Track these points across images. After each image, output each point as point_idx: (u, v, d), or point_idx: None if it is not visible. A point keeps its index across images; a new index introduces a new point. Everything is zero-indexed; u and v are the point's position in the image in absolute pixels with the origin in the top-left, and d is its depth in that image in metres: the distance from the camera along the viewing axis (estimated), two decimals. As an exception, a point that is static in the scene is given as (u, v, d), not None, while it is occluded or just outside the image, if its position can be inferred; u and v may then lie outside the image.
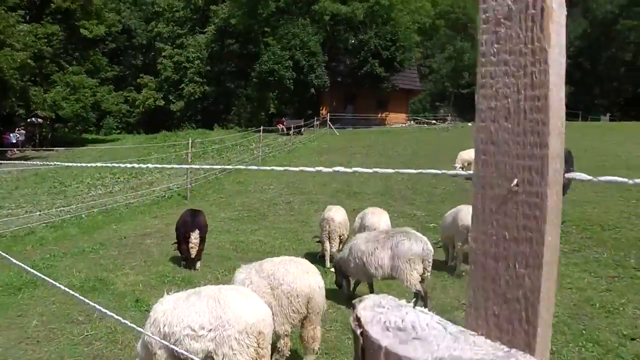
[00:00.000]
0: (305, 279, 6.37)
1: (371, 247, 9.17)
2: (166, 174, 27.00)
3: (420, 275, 8.78)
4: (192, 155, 21.55)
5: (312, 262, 7.28)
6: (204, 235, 11.79)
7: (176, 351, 5.13)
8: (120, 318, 2.56)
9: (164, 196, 20.97)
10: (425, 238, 9.07)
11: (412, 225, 16.18)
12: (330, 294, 9.56)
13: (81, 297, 3.31)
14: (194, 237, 11.41)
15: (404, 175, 23.67)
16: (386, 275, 9.03)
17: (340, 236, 12.08)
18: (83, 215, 17.23)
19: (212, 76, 53.79)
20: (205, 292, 5.29)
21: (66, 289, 3.40)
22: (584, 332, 8.12)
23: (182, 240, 11.61)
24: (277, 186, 22.85)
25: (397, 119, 55.52)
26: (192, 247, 11.42)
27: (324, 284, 6.62)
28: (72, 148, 37.60)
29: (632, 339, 7.89)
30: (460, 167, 24.08)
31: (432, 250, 9.03)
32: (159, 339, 4.85)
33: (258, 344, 5.08)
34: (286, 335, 6.41)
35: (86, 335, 7.88)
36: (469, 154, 24.68)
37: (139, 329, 3.21)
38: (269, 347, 5.31)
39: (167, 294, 5.56)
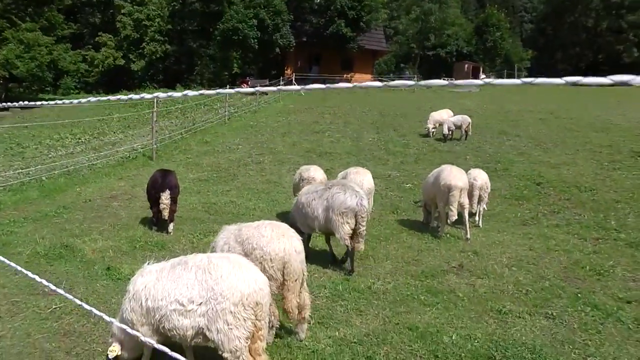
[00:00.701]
0: (280, 243, 5.91)
1: (310, 198, 9.24)
2: (129, 134, 26.12)
3: (353, 230, 8.70)
4: (157, 115, 20.71)
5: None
6: (176, 196, 11.31)
7: (163, 327, 4.65)
8: (72, 297, 2.10)
9: (129, 157, 20.15)
10: (362, 193, 8.94)
11: (388, 186, 16.02)
12: (315, 259, 9.24)
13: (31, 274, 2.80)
14: (165, 197, 10.92)
15: (376, 135, 23.39)
16: (322, 227, 9.03)
17: None
18: (44, 178, 16.36)
19: (174, 35, 52.10)
20: (193, 262, 4.78)
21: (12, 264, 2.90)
22: (579, 295, 7.92)
23: (153, 202, 11.21)
24: (245, 146, 22.24)
25: (362, 80, 54.52)
26: (163, 209, 10.95)
27: (303, 247, 6.18)
28: (29, 108, 36.11)
29: (628, 302, 7.76)
30: (432, 128, 23.83)
31: (368, 207, 9.02)
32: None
33: (256, 316, 4.64)
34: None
35: (54, 308, 7.14)
36: (440, 115, 24.51)
37: (103, 313, 2.71)
38: (267, 318, 4.87)
39: (148, 263, 5.04)
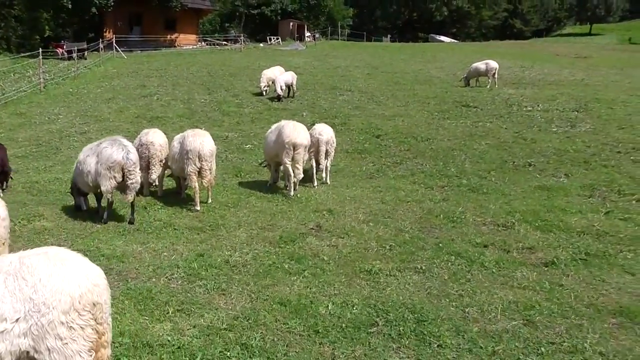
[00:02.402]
0: None
1: (85, 154, 9.33)
2: None
3: (119, 183, 8.98)
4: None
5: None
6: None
7: None
8: None
9: None
10: (131, 147, 9.09)
11: (227, 147, 15.30)
12: (162, 236, 8.48)
13: None
14: None
15: (208, 97, 22.44)
16: (95, 181, 9.09)
17: (161, 161, 10.92)
18: None
19: (-32, -7, 46.52)
20: None
21: None
22: (440, 245, 7.87)
23: None
24: (67, 115, 20.27)
25: (187, 40, 52.94)
26: None
27: (7, 214, 5.94)
28: None
29: (485, 246, 7.88)
30: (265, 86, 23.27)
31: (135, 161, 9.03)
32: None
33: (95, 320, 3.63)
34: None
35: None
36: (272, 72, 24.05)
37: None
38: (109, 318, 3.89)
39: None
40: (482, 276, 6.76)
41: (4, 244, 5.89)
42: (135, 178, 9.03)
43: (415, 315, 5.65)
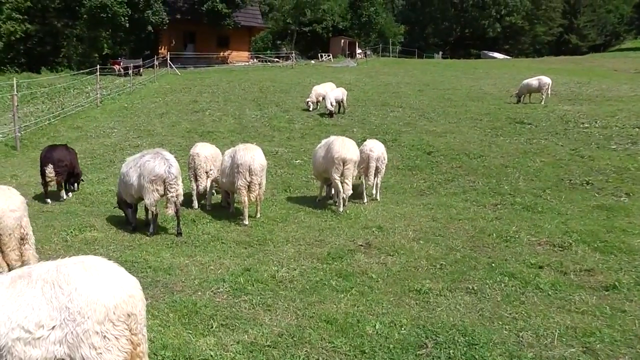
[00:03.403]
0: None
1: (128, 167, 9.54)
2: (-13, 123, 23.65)
3: (162, 196, 9.14)
4: (19, 100, 18.70)
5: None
6: (62, 169, 11.89)
7: None
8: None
9: (-12, 148, 18.12)
10: (173, 160, 9.18)
11: (277, 163, 15.29)
12: (209, 249, 8.44)
13: None
14: (49, 171, 11.66)
15: (258, 112, 22.57)
16: (138, 193, 9.33)
17: (207, 172, 11.37)
18: None
19: (34, 13, 47.88)
20: (37, 274, 3.60)
21: None
22: (493, 265, 7.57)
23: (41, 175, 11.90)
24: (121, 129, 20.72)
25: (239, 57, 53.63)
26: (49, 181, 11.79)
27: (21, 207, 6.54)
28: None
29: (541, 267, 7.51)
30: (312, 101, 23.59)
31: (177, 174, 9.14)
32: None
33: (130, 331, 3.60)
34: None
35: None
36: (323, 88, 24.11)
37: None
38: (145, 330, 3.81)
39: None
40: (537, 299, 6.44)
41: (10, 235, 6.38)
42: (177, 191, 9.14)
43: (467, 338, 5.41)
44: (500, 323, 5.80)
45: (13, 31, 45.69)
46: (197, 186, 11.29)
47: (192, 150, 11.59)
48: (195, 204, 11.40)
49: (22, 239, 6.61)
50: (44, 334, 3.44)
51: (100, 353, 3.46)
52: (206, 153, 11.42)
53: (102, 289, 3.51)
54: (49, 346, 3.45)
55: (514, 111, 21.02)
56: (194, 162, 11.32)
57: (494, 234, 8.98)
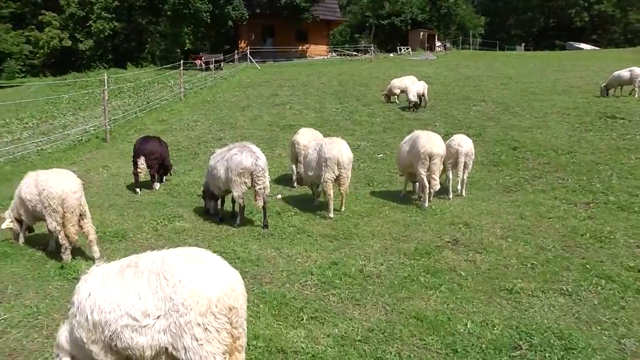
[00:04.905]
0: (60, 184, 7.53)
1: (216, 160, 9.83)
2: (80, 116, 24.72)
3: (249, 188, 9.39)
4: (108, 95, 19.44)
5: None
6: (153, 162, 12.43)
7: (115, 346, 3.70)
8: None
9: (81, 140, 18.91)
10: (259, 153, 9.36)
11: (359, 157, 15.25)
12: (297, 241, 8.57)
13: None
14: (141, 163, 12.21)
15: (339, 106, 22.59)
16: (226, 186, 9.60)
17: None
18: (-13, 166, 15.12)
19: (121, 11, 49.65)
20: (144, 264, 3.76)
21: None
22: (587, 266, 7.27)
23: (133, 165, 12.45)
24: (204, 122, 21.20)
25: (318, 51, 53.92)
26: (140, 172, 12.33)
27: (80, 188, 7.73)
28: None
29: (640, 271, 7.08)
30: (386, 94, 23.86)
31: (264, 166, 9.30)
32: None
33: (231, 324, 3.68)
34: (58, 230, 7.59)
35: None
36: (401, 82, 23.89)
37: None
38: (245, 323, 3.89)
39: (97, 265, 3.95)
40: (638, 304, 6.14)
41: (72, 212, 7.56)
42: (264, 183, 9.30)
43: (563, 342, 5.22)
44: (599, 328, 5.57)
45: (102, 29, 47.65)
46: (297, 168, 12.32)
47: (294, 137, 12.62)
48: (295, 184, 12.83)
49: (81, 215, 7.74)
50: (150, 322, 3.59)
51: (202, 344, 3.56)
52: (305, 141, 12.14)
53: (205, 282, 3.60)
54: (154, 334, 3.60)
55: (604, 105, 20.13)
56: (294, 148, 12.42)
57: (587, 234, 8.62)
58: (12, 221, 8.43)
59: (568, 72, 32.10)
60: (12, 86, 38.79)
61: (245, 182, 9.23)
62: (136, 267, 3.77)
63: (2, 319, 5.96)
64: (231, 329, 3.71)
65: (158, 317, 3.59)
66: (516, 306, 6.10)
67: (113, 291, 3.68)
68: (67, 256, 7.75)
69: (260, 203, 9.38)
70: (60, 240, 7.69)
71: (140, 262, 3.81)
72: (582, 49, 65.20)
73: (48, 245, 8.33)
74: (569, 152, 14.55)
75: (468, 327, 5.55)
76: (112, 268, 3.84)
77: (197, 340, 3.56)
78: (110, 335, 3.64)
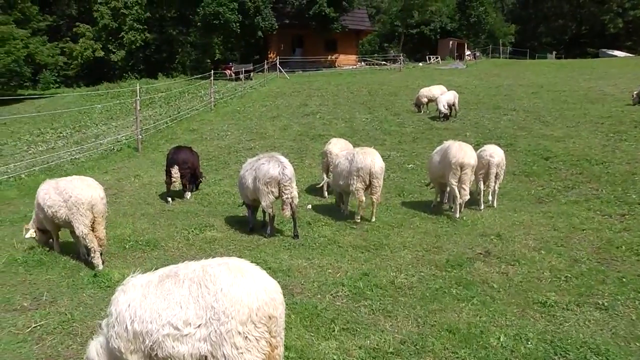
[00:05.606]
0: (88, 191, 7.87)
1: (245, 170, 9.94)
2: (112, 125, 25.09)
3: (277, 198, 9.43)
4: (140, 104, 19.71)
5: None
6: (185, 171, 12.54)
7: (156, 355, 3.74)
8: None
9: (113, 149, 19.21)
10: (287, 163, 9.39)
11: (390, 167, 15.20)
12: (326, 253, 8.48)
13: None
14: (174, 172, 12.34)
15: (369, 116, 22.58)
16: (254, 195, 9.71)
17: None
18: (23, 176, 15.41)
19: (153, 23, 50.41)
20: (184, 274, 3.82)
21: None
22: (624, 280, 7.13)
23: (166, 175, 12.56)
24: (234, 132, 21.36)
25: (347, 61, 53.99)
26: (174, 181, 12.45)
27: (104, 195, 8.13)
28: (7, 104, 34.86)
29: (682, 287, 6.91)
30: (416, 104, 23.89)
31: (291, 176, 9.33)
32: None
33: (270, 333, 3.72)
34: (86, 234, 7.80)
35: (34, 327, 6.04)
36: (430, 91, 23.86)
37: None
38: (283, 333, 3.92)
39: (132, 275, 4.00)
40: (680, 321, 6.00)
41: (102, 216, 8.05)
42: (292, 193, 9.35)
43: (600, 358, 5.13)
44: (638, 344, 5.45)
45: (134, 40, 48.43)
46: (327, 177, 12.58)
47: (325, 147, 12.90)
48: (325, 193, 12.88)
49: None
50: (191, 331, 3.64)
51: (242, 353, 3.60)
52: (336, 150, 12.40)
53: (246, 291, 3.65)
54: (195, 343, 3.65)
55: (639, 114, 19.81)
56: (326, 158, 12.67)
57: (623, 247, 8.46)
58: (35, 231, 8.62)
59: (601, 80, 31.65)
60: (47, 97, 39.58)
61: (272, 192, 9.29)
62: (176, 277, 3.83)
63: (38, 325, 6.08)
64: (270, 338, 3.75)
65: (199, 325, 3.65)
66: (550, 320, 6.01)
67: (154, 301, 3.74)
68: (97, 260, 7.88)
69: (288, 213, 9.45)
70: (89, 244, 7.83)
71: (180, 272, 3.87)
72: (615, 56, 64.08)
73: (80, 253, 8.46)
74: (602, 162, 14.31)
75: (501, 340, 5.48)
76: (151, 278, 3.90)
77: (237, 349, 3.60)
78: (151, 345, 3.69)
